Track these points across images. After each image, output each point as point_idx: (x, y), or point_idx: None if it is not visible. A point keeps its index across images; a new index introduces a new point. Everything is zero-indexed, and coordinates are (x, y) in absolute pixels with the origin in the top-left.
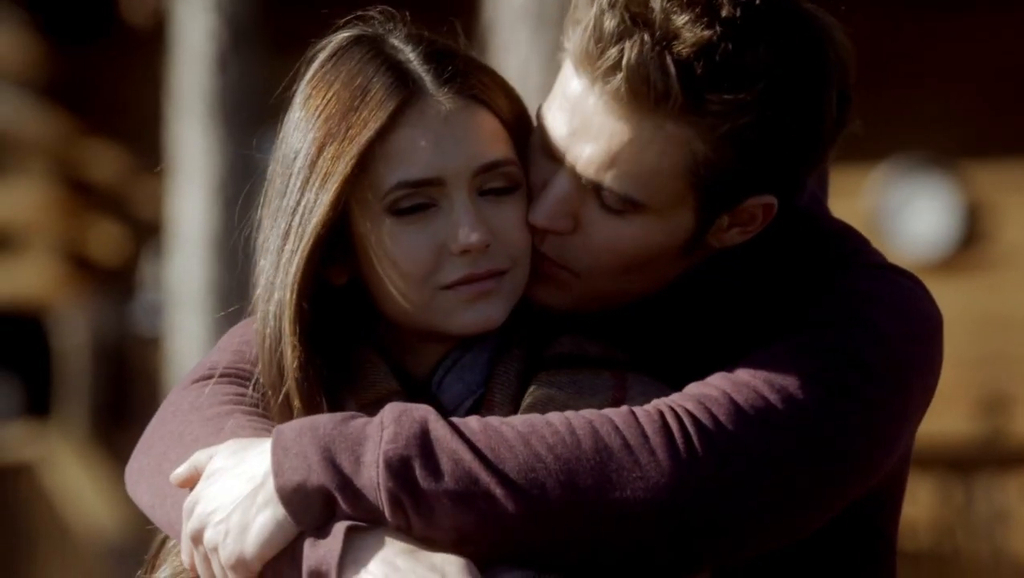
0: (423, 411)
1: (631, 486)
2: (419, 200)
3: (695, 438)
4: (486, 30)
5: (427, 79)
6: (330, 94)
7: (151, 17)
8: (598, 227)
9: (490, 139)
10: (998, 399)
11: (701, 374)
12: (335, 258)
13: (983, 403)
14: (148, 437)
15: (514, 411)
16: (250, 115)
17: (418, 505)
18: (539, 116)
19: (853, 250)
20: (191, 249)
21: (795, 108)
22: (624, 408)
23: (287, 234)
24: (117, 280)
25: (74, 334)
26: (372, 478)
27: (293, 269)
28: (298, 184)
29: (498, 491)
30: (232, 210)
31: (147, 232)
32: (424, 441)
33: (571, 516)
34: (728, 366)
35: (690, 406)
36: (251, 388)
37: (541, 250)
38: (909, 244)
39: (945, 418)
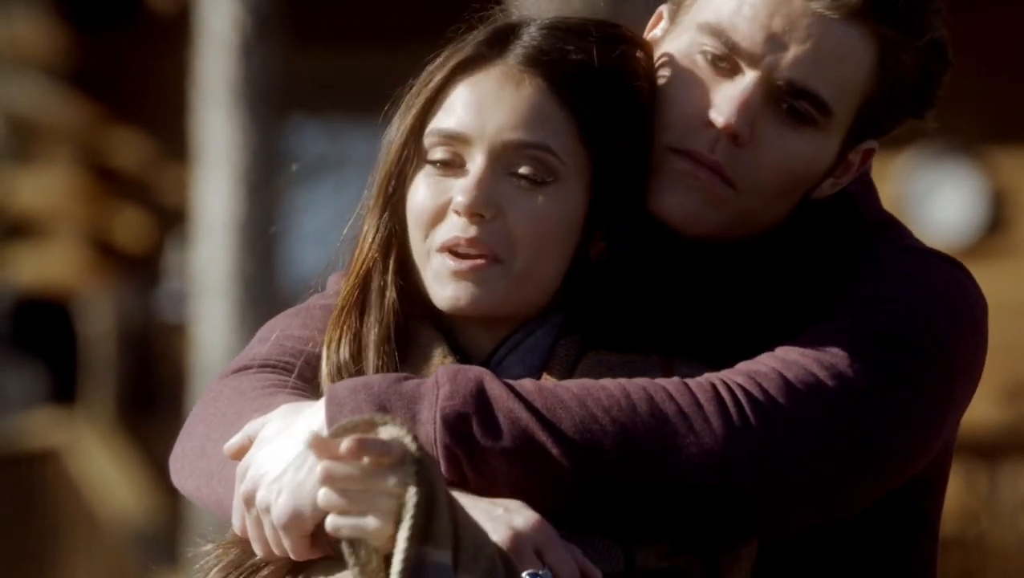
0: (478, 371)
1: (685, 451)
2: (450, 155)
3: (747, 408)
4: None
5: (514, 52)
6: (448, 49)
7: (175, 4)
8: (772, 141)
9: (534, 121)
10: (1022, 386)
11: (745, 356)
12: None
13: (1007, 390)
14: (189, 425)
15: None
16: (274, 103)
17: (474, 461)
18: (706, 26)
19: (894, 235)
20: (215, 236)
21: (948, 41)
22: (675, 379)
23: (377, 169)
24: (142, 267)
25: (99, 321)
26: (429, 434)
27: (369, 220)
28: (393, 124)
29: (554, 450)
30: (256, 197)
31: (172, 219)
32: (481, 398)
33: (625, 477)
34: (777, 345)
35: (740, 380)
36: (293, 376)
37: (712, 157)
38: (934, 230)
39: (970, 405)
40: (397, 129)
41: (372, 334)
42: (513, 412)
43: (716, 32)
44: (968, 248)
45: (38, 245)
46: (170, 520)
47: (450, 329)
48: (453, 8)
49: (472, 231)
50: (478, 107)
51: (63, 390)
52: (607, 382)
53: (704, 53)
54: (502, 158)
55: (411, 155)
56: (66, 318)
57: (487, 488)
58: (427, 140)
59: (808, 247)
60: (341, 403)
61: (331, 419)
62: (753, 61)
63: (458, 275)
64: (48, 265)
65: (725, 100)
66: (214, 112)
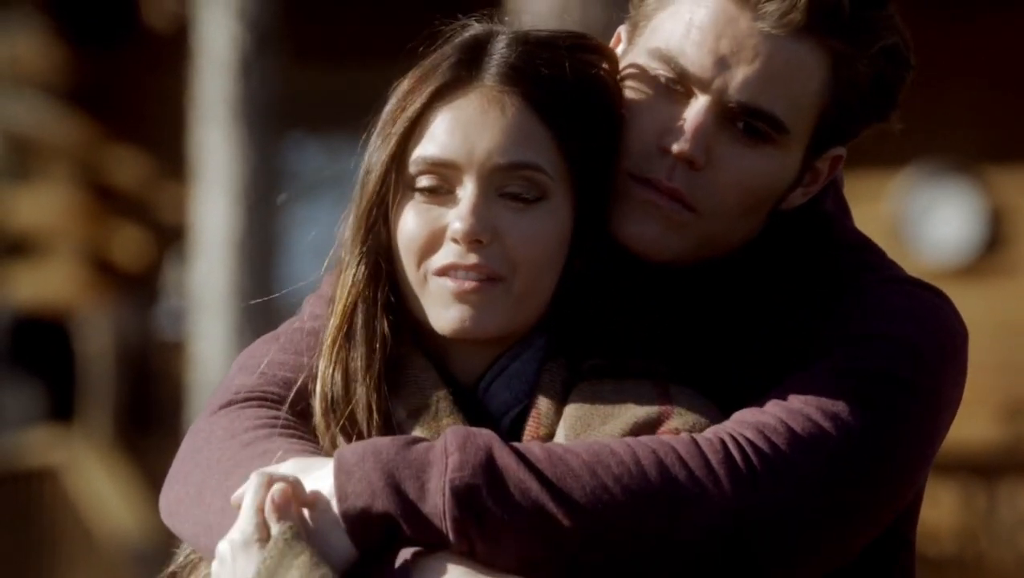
0: (487, 438)
1: (697, 515)
2: (437, 182)
3: (758, 466)
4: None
5: (491, 71)
6: (416, 69)
7: (173, 23)
8: (730, 162)
9: (521, 141)
10: (1021, 405)
11: (729, 384)
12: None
13: (1006, 409)
14: (181, 466)
15: (558, 421)
16: (273, 120)
17: (484, 533)
18: (656, 52)
19: (872, 264)
20: (214, 253)
21: (906, 43)
22: (685, 436)
23: (358, 196)
24: (140, 284)
25: (98, 338)
26: (438, 506)
27: (351, 251)
28: (370, 147)
29: (565, 521)
30: (254, 214)
31: (170, 237)
32: (490, 469)
33: (637, 545)
34: (779, 391)
35: (749, 434)
36: (285, 408)
37: (670, 184)
38: (931, 249)
39: (967, 424)
40: (376, 159)
41: (362, 368)
42: (523, 483)
43: (666, 58)
44: (966, 267)
45: (36, 263)
46: (167, 538)
47: (440, 355)
48: (454, 22)
49: (471, 258)
50: (463, 133)
51: (61, 408)
52: (616, 444)
53: (657, 77)
54: (493, 181)
55: (392, 184)
56: (64, 336)
57: (496, 557)
58: (412, 168)
59: (784, 265)
60: (349, 471)
61: (340, 488)
62: (703, 86)
63: (460, 296)
64: (46, 283)
65: (679, 126)
66: (212, 130)
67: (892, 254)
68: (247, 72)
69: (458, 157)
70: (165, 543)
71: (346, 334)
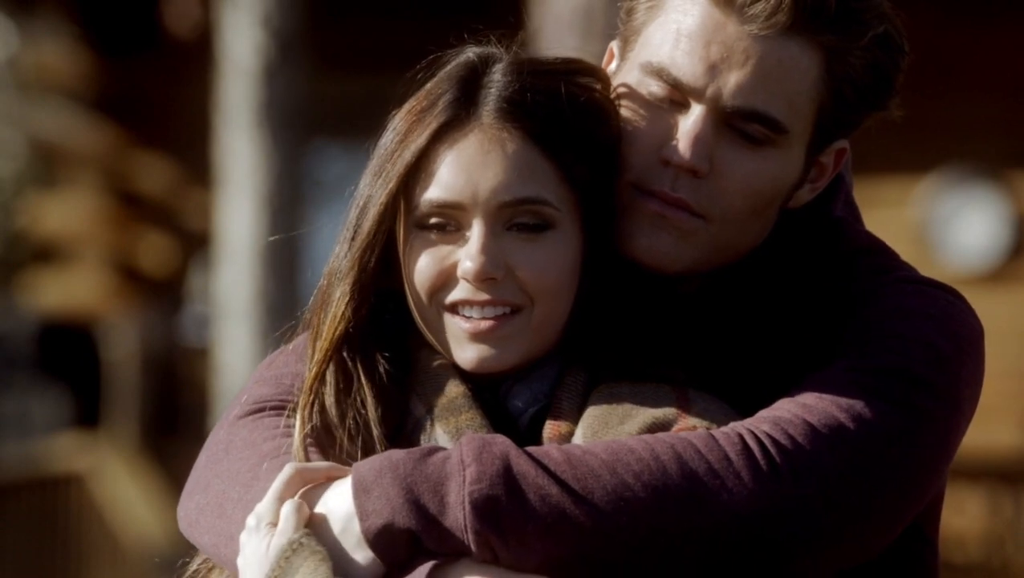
0: (503, 446)
1: (718, 509)
2: (443, 220)
3: (777, 459)
4: (532, 39)
5: (488, 107)
6: (413, 100)
7: (197, 30)
8: (732, 167)
9: (526, 176)
10: None
11: (750, 390)
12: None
13: None
14: (201, 476)
15: (578, 419)
16: (297, 127)
17: (506, 542)
18: (648, 66)
19: (885, 266)
20: (239, 260)
21: (897, 29)
22: (702, 431)
23: (352, 231)
24: (166, 291)
25: (123, 345)
26: (458, 519)
27: (348, 267)
28: (367, 180)
29: (588, 522)
30: (279, 221)
31: (195, 243)
32: (509, 479)
33: (659, 540)
34: (796, 389)
35: (767, 428)
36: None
37: (675, 195)
38: (957, 255)
39: (994, 430)
40: (375, 198)
41: (351, 402)
42: (543, 489)
43: (657, 71)
44: (991, 272)
45: (62, 269)
46: (191, 545)
47: None
48: (473, 33)
49: (483, 295)
50: (467, 174)
51: (87, 414)
52: (634, 443)
53: (651, 90)
54: (500, 218)
55: (393, 222)
56: (90, 342)
57: (520, 563)
58: (419, 209)
59: (798, 271)
60: (367, 489)
61: (360, 507)
62: (697, 94)
63: (477, 337)
64: (72, 289)
65: (678, 136)
66: (237, 137)
67: (917, 260)
68: (271, 79)
69: (463, 198)
70: (189, 548)
71: (329, 370)
